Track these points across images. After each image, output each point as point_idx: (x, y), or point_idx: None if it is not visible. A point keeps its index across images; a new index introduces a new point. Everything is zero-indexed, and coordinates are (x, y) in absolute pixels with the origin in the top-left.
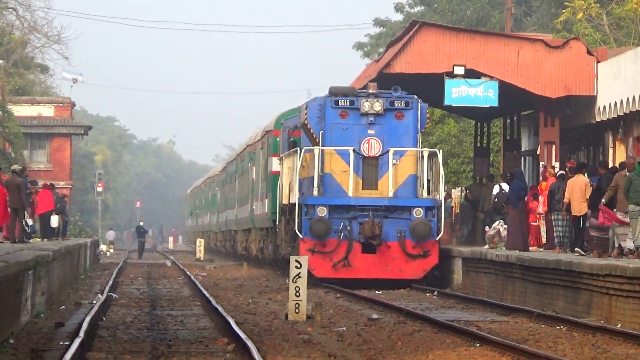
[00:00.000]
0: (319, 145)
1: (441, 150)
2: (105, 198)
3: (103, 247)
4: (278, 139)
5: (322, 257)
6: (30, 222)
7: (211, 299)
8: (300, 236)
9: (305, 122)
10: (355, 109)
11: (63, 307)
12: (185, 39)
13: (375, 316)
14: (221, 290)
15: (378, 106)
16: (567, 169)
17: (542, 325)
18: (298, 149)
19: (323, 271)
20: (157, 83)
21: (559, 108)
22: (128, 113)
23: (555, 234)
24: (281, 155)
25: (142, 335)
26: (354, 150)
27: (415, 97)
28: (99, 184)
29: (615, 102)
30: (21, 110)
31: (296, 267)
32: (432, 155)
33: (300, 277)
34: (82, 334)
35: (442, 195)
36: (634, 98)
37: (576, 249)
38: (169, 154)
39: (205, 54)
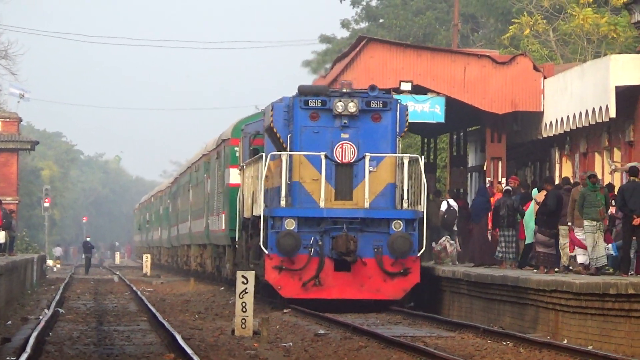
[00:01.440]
0: (286, 151)
1: (423, 157)
2: (52, 214)
3: (50, 262)
4: (236, 149)
5: (290, 275)
6: None
7: (157, 314)
8: (266, 252)
9: (271, 125)
10: (327, 110)
11: (9, 322)
12: (132, 54)
13: (321, 332)
14: (168, 306)
15: (352, 107)
16: (515, 185)
17: (489, 341)
18: (263, 154)
19: (291, 291)
20: (104, 99)
21: (505, 124)
22: (75, 129)
23: (498, 249)
24: (242, 165)
25: (89, 350)
26: (325, 156)
27: (395, 96)
28: (46, 200)
29: (562, 118)
30: None
31: (243, 282)
32: (412, 162)
33: (246, 292)
34: (28, 349)
35: (424, 206)
36: (580, 114)
37: None
38: (115, 170)
39: (152, 69)
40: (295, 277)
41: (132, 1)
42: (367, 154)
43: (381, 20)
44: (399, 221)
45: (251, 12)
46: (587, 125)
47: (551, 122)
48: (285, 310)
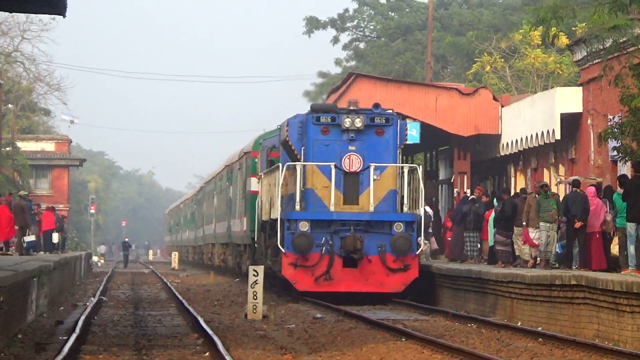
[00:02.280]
0: (300, 162)
1: (420, 166)
2: (97, 218)
3: (95, 258)
4: (256, 160)
5: (304, 271)
6: (30, 238)
7: (184, 301)
8: (283, 250)
9: (287, 139)
10: (336, 125)
11: (62, 308)
12: (163, 87)
13: (319, 315)
14: (192, 295)
15: (359, 122)
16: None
17: (456, 323)
18: (280, 164)
19: (305, 285)
20: (139, 124)
21: (470, 144)
22: (115, 148)
23: (465, 248)
24: (260, 174)
25: (127, 331)
26: (335, 166)
27: (395, 114)
28: (92, 207)
29: (516, 140)
30: (27, 145)
31: (254, 275)
32: (412, 171)
33: (257, 283)
34: (77, 330)
35: (422, 210)
36: (531, 136)
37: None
38: (149, 182)
39: (179, 99)
40: (308, 273)
41: (162, 43)
42: (371, 164)
43: (367, 59)
44: (400, 223)
45: (262, 53)
46: (537, 145)
47: (507, 143)
48: (288, 298)
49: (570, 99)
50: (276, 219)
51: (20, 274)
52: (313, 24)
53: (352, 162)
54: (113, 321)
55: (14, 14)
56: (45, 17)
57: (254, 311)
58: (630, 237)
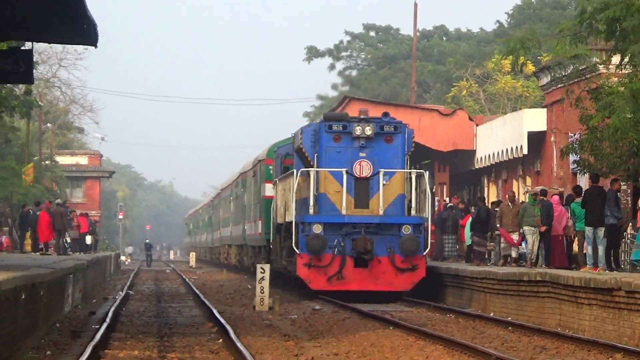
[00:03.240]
0: (313, 168)
1: (427, 172)
2: (125, 223)
3: (123, 258)
4: (270, 167)
5: (317, 271)
6: (68, 240)
7: (200, 295)
8: (297, 252)
9: (300, 146)
10: (347, 133)
11: (94, 300)
12: (181, 108)
13: (317, 307)
14: (207, 289)
15: (369, 130)
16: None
17: (437, 314)
18: (294, 170)
19: (318, 284)
20: (161, 140)
21: (448, 158)
22: (141, 162)
23: (445, 249)
24: (275, 180)
25: (151, 321)
26: (346, 172)
27: (403, 122)
28: (120, 213)
29: (489, 154)
30: (64, 160)
31: (261, 272)
32: (419, 176)
33: (264, 279)
34: (108, 320)
35: (429, 213)
36: (502, 151)
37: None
38: (170, 192)
39: (194, 118)
40: (321, 273)
41: (180, 70)
42: (381, 169)
43: (359, 85)
44: (408, 226)
45: (267, 78)
46: (507, 159)
47: (481, 157)
48: (291, 293)
49: (536, 119)
50: (291, 222)
51: (58, 271)
52: (313, 53)
53: (363, 168)
54: (139, 312)
55: (52, 45)
56: (80, 48)
57: (261, 303)
58: (588, 240)
